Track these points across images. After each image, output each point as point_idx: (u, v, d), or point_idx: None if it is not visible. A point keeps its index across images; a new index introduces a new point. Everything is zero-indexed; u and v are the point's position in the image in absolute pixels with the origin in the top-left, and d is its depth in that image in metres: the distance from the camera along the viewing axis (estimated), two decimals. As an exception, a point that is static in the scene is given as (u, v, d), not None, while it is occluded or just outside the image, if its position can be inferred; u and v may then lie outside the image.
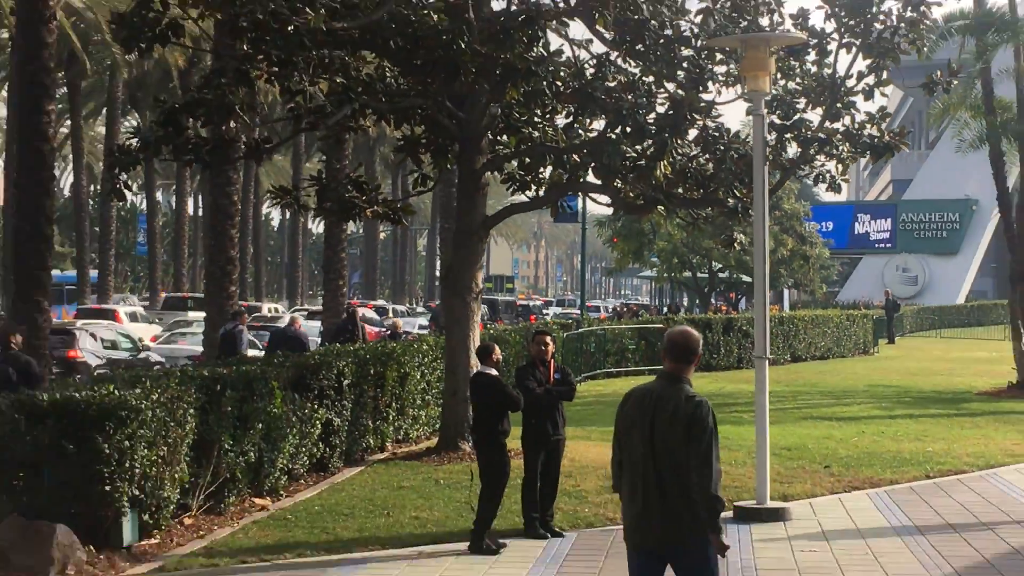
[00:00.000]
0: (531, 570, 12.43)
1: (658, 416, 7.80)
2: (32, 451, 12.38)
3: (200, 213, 79.92)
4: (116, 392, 12.76)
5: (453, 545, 13.46)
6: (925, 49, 19.81)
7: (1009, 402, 29.49)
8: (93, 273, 63.83)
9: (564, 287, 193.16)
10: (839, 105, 19.41)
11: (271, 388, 15.70)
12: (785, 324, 44.05)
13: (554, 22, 19.05)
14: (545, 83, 18.03)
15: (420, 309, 69.52)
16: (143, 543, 13.15)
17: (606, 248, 77.64)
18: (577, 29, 19.86)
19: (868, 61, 19.30)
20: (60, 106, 54.52)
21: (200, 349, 29.91)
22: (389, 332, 33.21)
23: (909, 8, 19.17)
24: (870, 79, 19.48)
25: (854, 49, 19.23)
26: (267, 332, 30.95)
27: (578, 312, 57.42)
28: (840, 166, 20.22)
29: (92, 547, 12.51)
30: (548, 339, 14.53)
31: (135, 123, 69.49)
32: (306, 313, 46.69)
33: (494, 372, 13.93)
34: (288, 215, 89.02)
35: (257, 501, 15.54)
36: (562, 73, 18.67)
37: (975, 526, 14.77)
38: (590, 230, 58.98)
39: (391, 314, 58.40)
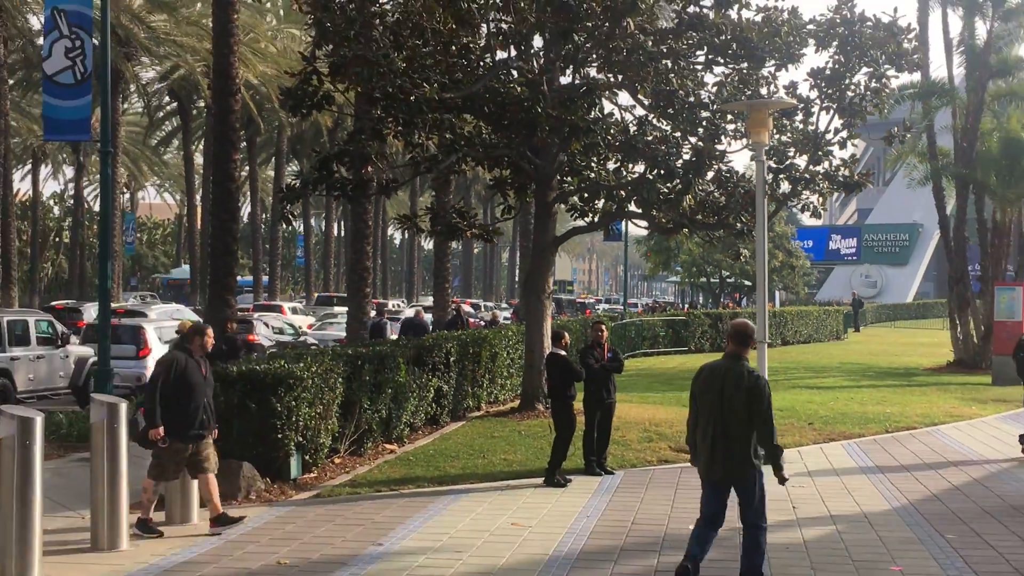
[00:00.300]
0: (590, 499, 12.39)
1: (726, 385, 8.25)
2: (225, 408, 12.49)
3: (343, 234, 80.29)
4: (285, 365, 12.88)
5: (532, 480, 13.44)
6: (885, 110, 19.58)
7: (948, 376, 29.16)
8: (265, 278, 64.37)
9: (610, 288, 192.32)
10: (820, 153, 19.23)
11: (398, 363, 15.76)
12: (777, 317, 43.65)
13: (607, 92, 19.00)
14: (600, 138, 18.00)
15: (504, 305, 69.34)
16: (305, 477, 13.26)
17: (642, 259, 77.26)
18: (624, 98, 19.84)
19: (842, 120, 19.13)
20: (241, 156, 55.14)
21: (344, 334, 29.99)
22: (486, 322, 33.24)
23: (873, 80, 18.99)
24: (843, 133, 19.30)
25: (831, 111, 19.06)
26: (395, 321, 30.98)
27: (621, 308, 57.20)
28: (820, 198, 20.01)
29: (268, 479, 12.66)
30: (603, 327, 14.53)
31: (295, 168, 69.97)
32: (422, 308, 46.88)
33: (563, 353, 13.93)
34: (407, 235, 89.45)
35: (387, 446, 15.61)
36: (612, 130, 18.60)
37: (923, 468, 14.60)
38: (630, 246, 58.76)
39: (481, 308, 58.48)
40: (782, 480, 8.37)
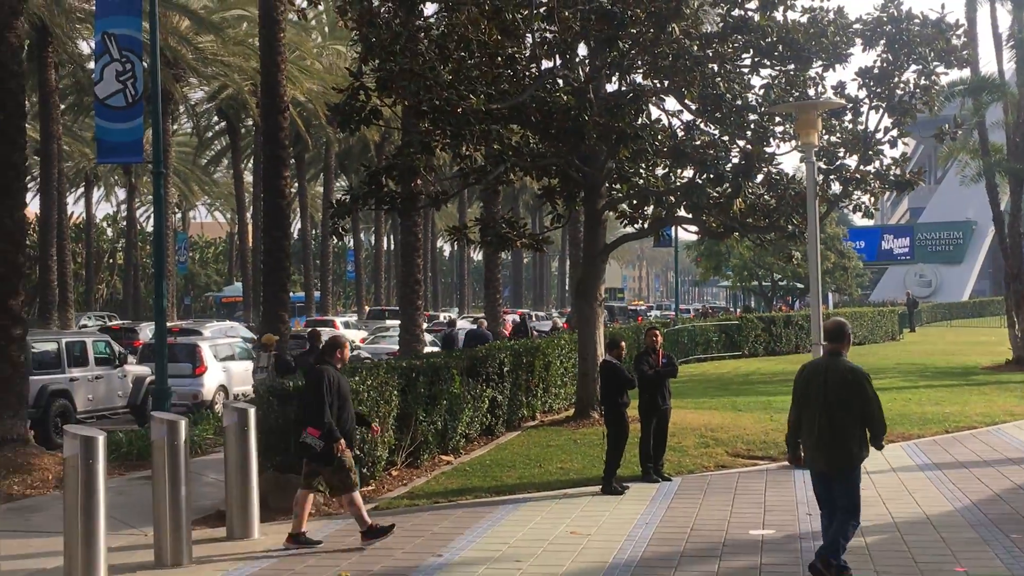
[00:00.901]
0: (648, 506, 12.35)
1: (829, 380, 8.62)
2: (282, 423, 12.62)
3: (392, 247, 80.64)
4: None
5: (589, 488, 13.42)
6: (935, 108, 19.38)
7: (1007, 374, 28.74)
8: (316, 294, 64.80)
9: (660, 295, 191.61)
10: (870, 153, 19.07)
11: (452, 374, 15.80)
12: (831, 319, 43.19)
13: (653, 98, 18.95)
14: (648, 144, 17.93)
15: (555, 313, 69.31)
16: (363, 490, 13.28)
17: (692, 264, 76.90)
18: (671, 103, 19.79)
19: (891, 119, 18.97)
20: (291, 173, 55.58)
21: (396, 347, 30.05)
22: (549, 328, 33.34)
23: (922, 78, 18.81)
24: (894, 132, 19.13)
25: (881, 110, 18.90)
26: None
27: (673, 313, 56.95)
28: (872, 199, 19.83)
29: (327, 493, 12.73)
30: (657, 333, 14.52)
31: (344, 183, 70.43)
32: (473, 318, 46.83)
33: (616, 361, 13.92)
34: (456, 247, 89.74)
35: (443, 457, 15.64)
36: (660, 136, 18.56)
37: (984, 467, 14.42)
38: (680, 252, 58.52)
39: (533, 318, 58.52)
40: (879, 447, 8.88)
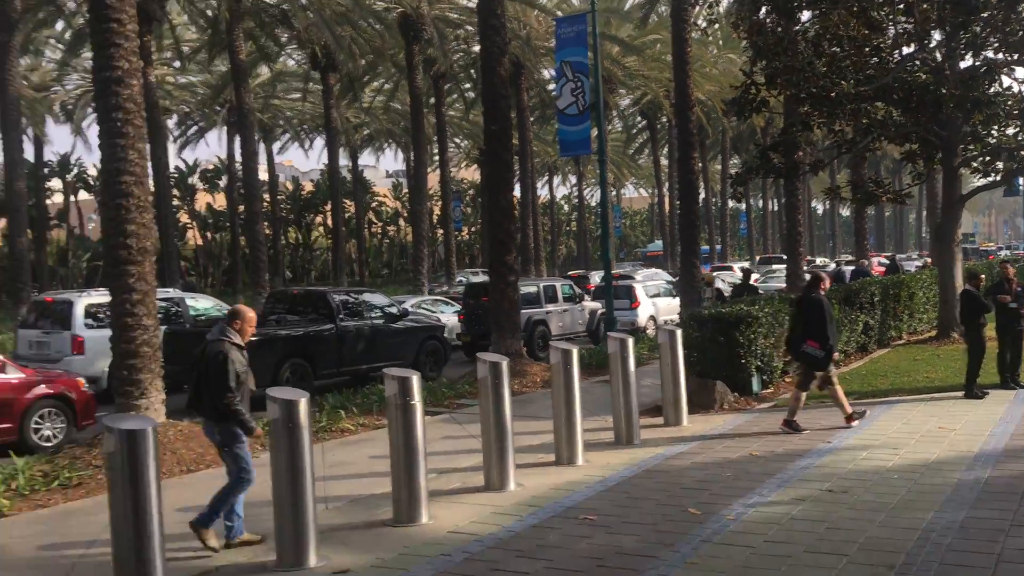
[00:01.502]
0: (1007, 408, 11.20)
1: None
2: (700, 341, 12.69)
3: (774, 209, 77.80)
4: (743, 308, 12.84)
5: (952, 394, 12.36)
6: None
7: None
8: (718, 247, 63.99)
9: (1009, 237, 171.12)
10: None
11: (831, 303, 15.10)
12: None
13: (1004, 69, 16.92)
14: (1000, 108, 16.11)
15: (915, 256, 63.97)
16: (764, 392, 13.12)
17: (1039, 210, 68.14)
18: (1021, 72, 17.60)
19: None
20: (697, 154, 55.16)
21: (784, 285, 29.02)
22: (920, 266, 31.55)
23: None
24: None
25: None
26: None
27: (1021, 251, 50.78)
28: None
29: (736, 394, 12.67)
30: (1010, 267, 13.06)
31: (735, 161, 68.74)
32: (847, 260, 44.17)
33: (975, 290, 12.68)
34: (827, 205, 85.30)
35: (827, 368, 15.03)
36: (1011, 101, 16.57)
37: None
38: (1028, 200, 51.94)
39: (896, 260, 54.36)
40: None
